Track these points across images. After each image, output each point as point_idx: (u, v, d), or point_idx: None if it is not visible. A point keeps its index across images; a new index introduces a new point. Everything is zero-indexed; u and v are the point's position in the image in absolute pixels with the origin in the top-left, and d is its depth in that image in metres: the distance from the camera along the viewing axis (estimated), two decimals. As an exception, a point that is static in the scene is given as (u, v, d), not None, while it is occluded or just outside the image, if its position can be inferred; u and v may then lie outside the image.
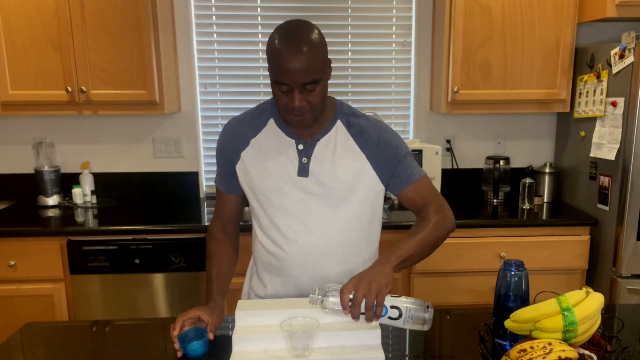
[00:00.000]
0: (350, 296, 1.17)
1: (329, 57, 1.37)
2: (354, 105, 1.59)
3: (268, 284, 1.53)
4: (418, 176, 1.48)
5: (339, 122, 1.46)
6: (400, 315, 1.18)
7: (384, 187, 1.50)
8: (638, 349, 1.33)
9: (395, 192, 1.50)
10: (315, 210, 1.44)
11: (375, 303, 1.16)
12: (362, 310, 1.17)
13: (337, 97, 1.54)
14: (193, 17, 2.85)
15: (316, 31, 1.30)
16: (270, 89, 2.90)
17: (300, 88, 1.29)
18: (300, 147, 1.44)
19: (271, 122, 1.47)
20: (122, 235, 2.42)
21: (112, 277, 2.44)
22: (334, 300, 1.20)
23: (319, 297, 1.20)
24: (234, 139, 1.49)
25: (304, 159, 1.43)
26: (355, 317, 1.17)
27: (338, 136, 1.45)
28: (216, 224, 1.61)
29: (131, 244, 2.42)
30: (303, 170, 1.43)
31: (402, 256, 1.30)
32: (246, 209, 1.67)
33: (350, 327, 1.25)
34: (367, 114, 1.54)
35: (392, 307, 1.18)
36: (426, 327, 1.19)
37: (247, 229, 1.65)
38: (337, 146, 1.44)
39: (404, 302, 1.19)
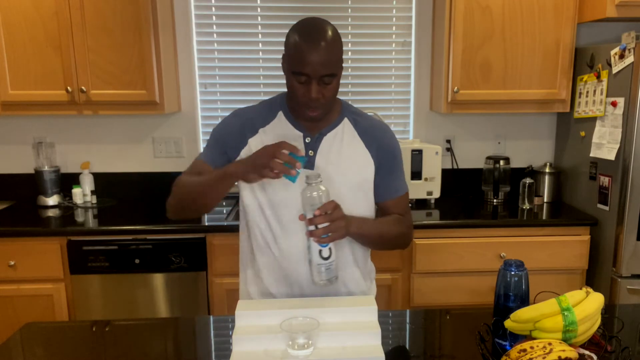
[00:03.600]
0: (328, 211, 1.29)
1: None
2: (352, 104, 1.61)
3: (268, 281, 1.53)
4: (402, 192, 1.58)
5: (346, 119, 1.52)
6: (329, 256, 1.31)
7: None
8: (638, 349, 1.33)
9: (377, 198, 1.56)
10: None
11: (330, 231, 1.28)
12: (321, 226, 1.28)
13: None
14: (193, 17, 2.85)
15: (336, 30, 1.38)
16: (270, 89, 2.91)
17: (318, 80, 1.34)
18: (308, 140, 1.47)
19: (280, 115, 1.50)
20: (122, 235, 2.42)
21: (112, 277, 2.44)
22: (317, 194, 1.29)
23: (319, 180, 1.29)
24: (243, 124, 1.50)
25: (310, 152, 1.47)
26: (315, 222, 1.27)
27: (345, 132, 1.50)
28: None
29: (131, 244, 2.42)
30: (309, 163, 1.47)
31: (362, 234, 1.46)
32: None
33: (350, 327, 1.26)
34: (370, 114, 1.59)
35: (332, 247, 1.32)
36: (327, 284, 1.34)
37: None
38: (343, 141, 1.49)
39: (336, 257, 1.33)
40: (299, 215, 1.32)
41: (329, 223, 1.28)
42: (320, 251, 1.31)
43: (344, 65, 1.44)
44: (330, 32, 1.34)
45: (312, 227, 1.29)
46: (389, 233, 1.52)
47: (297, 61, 1.33)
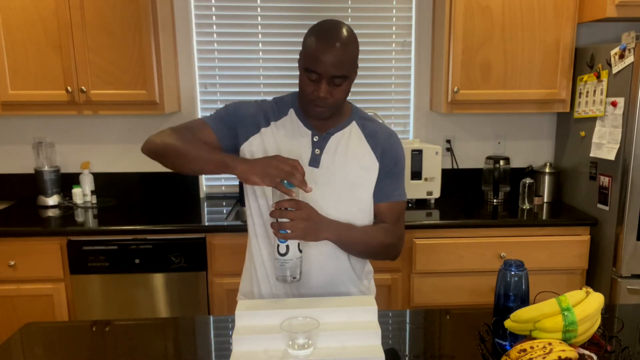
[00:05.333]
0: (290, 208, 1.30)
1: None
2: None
3: (271, 281, 1.53)
4: (398, 198, 1.56)
5: (354, 123, 1.53)
6: (286, 253, 1.32)
7: None
8: (638, 349, 1.33)
9: (373, 200, 1.55)
10: (319, 201, 1.46)
11: (288, 229, 1.29)
12: (282, 220, 1.30)
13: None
14: (193, 17, 2.85)
15: (353, 34, 1.39)
16: (270, 90, 2.91)
17: (328, 79, 1.36)
18: (315, 138, 1.49)
19: (292, 112, 1.52)
20: (122, 235, 2.42)
21: (112, 277, 2.44)
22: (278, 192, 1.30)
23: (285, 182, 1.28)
24: (259, 112, 1.52)
25: (316, 150, 1.48)
26: (273, 215, 1.30)
27: (352, 134, 1.52)
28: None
29: (131, 244, 2.42)
30: (314, 161, 1.48)
31: (343, 242, 1.45)
32: (243, 208, 1.67)
33: (350, 327, 1.26)
34: (376, 119, 1.61)
35: (290, 246, 1.32)
36: (283, 281, 1.35)
37: (245, 229, 1.64)
38: (350, 143, 1.50)
39: (297, 257, 1.33)
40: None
41: (287, 220, 1.29)
42: (278, 246, 1.32)
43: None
44: (346, 35, 1.36)
45: (273, 219, 1.32)
46: (374, 243, 1.50)
47: (310, 59, 1.35)
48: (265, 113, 1.52)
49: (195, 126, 1.51)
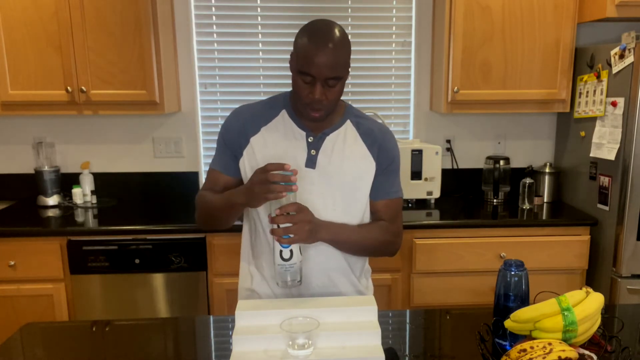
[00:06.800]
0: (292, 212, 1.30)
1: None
2: (353, 106, 1.62)
3: (270, 281, 1.53)
4: (395, 195, 1.56)
5: (348, 121, 1.52)
6: (290, 258, 1.32)
7: None
8: (638, 349, 1.33)
9: (370, 197, 1.55)
10: (317, 202, 1.46)
11: (291, 233, 1.29)
12: (283, 226, 1.29)
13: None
14: (193, 17, 2.85)
15: (345, 34, 1.39)
16: (270, 89, 2.91)
17: (322, 81, 1.35)
18: (310, 139, 1.48)
19: (283, 113, 1.51)
20: (122, 235, 2.42)
21: (112, 277, 2.44)
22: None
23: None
24: (245, 123, 1.50)
25: (312, 151, 1.47)
26: (276, 220, 1.29)
27: (347, 134, 1.51)
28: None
29: (131, 244, 2.42)
30: (311, 162, 1.47)
31: (338, 241, 1.45)
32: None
33: (350, 327, 1.26)
34: (374, 118, 1.61)
35: (293, 250, 1.32)
36: (286, 286, 1.37)
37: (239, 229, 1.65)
38: (346, 143, 1.50)
39: (300, 260, 1.34)
40: (269, 214, 1.33)
41: (290, 224, 1.29)
42: (280, 252, 1.32)
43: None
44: (338, 36, 1.35)
45: (274, 226, 1.30)
46: (370, 241, 1.50)
47: (304, 61, 1.34)
48: (252, 120, 1.50)
49: (211, 180, 1.55)
